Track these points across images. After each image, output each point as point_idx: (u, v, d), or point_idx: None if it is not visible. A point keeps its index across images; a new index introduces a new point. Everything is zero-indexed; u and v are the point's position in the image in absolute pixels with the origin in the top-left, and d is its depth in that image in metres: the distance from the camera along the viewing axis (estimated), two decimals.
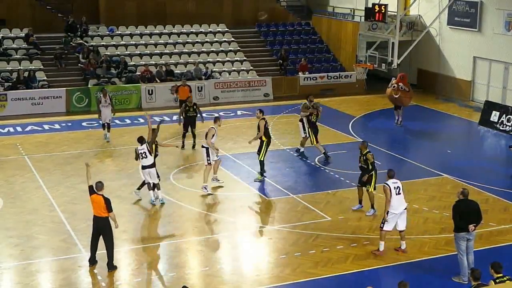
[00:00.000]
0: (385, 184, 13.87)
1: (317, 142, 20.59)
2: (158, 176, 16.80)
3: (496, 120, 25.13)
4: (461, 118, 27.12)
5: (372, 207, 16.24)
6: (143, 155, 16.40)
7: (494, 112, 25.35)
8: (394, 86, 24.80)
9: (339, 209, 16.67)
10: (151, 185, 16.77)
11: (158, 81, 28.60)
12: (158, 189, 16.85)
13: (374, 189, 16.18)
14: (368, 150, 16.32)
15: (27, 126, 24.61)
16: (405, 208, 14.00)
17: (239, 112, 27.15)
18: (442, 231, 15.25)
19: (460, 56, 29.91)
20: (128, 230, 15.41)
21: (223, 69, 30.97)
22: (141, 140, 16.54)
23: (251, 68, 31.40)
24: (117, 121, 25.26)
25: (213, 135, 17.75)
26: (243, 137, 23.02)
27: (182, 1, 34.42)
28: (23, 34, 30.00)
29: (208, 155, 17.86)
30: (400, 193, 13.83)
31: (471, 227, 12.65)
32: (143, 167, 16.56)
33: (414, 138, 23.93)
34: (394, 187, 13.77)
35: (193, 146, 21.76)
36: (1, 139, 23.02)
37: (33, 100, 26.64)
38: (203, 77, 29.58)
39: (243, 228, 15.71)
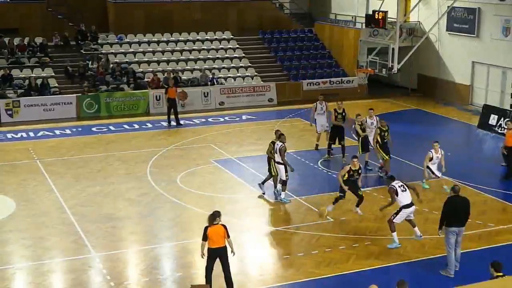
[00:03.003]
0: None
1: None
2: None
3: (494, 124, 25.43)
4: (460, 121, 27.40)
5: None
6: None
7: (492, 115, 25.62)
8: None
9: (341, 210, 16.72)
10: None
11: (166, 87, 29.00)
12: None
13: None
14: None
15: (39, 132, 24.94)
16: None
17: (244, 117, 27.56)
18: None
19: (459, 61, 30.17)
20: (136, 232, 15.75)
21: (228, 75, 31.31)
22: None
23: (256, 74, 31.74)
24: (125, 126, 25.77)
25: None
26: (247, 141, 23.53)
27: (189, 9, 34.75)
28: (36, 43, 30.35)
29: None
30: None
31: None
32: None
33: (414, 141, 23.96)
34: None
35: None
36: (14, 144, 23.36)
37: (45, 106, 27.05)
38: (209, 83, 30.01)
39: (247, 229, 15.84)
